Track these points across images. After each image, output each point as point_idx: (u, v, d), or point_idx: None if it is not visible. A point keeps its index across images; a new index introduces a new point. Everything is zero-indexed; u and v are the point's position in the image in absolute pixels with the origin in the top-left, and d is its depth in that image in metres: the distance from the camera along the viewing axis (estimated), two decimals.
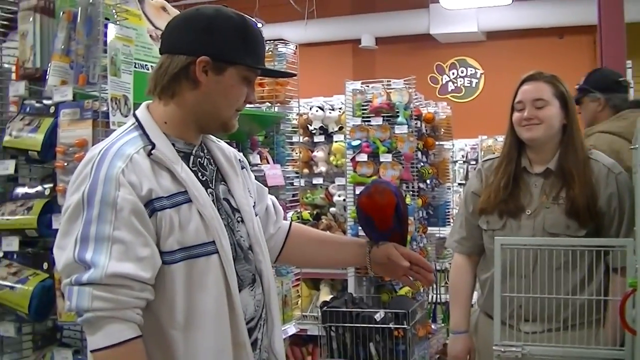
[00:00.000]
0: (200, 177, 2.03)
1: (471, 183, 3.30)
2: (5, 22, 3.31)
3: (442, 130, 6.63)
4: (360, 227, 4.89)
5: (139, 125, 2.00)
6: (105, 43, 2.94)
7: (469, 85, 13.12)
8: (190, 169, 2.00)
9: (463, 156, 10.61)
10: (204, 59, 1.96)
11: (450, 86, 13.20)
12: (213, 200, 2.03)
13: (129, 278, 1.79)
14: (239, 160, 2.27)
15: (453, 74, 13.22)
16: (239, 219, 2.12)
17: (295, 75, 2.39)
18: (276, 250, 2.41)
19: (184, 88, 1.99)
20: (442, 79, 13.28)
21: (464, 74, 13.17)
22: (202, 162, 2.08)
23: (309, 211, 6.34)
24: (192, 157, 2.05)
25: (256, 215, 2.21)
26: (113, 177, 1.84)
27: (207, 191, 2.01)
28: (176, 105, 2.01)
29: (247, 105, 2.15)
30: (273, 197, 2.49)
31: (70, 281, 1.79)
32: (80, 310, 1.77)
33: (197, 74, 1.97)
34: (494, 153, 3.61)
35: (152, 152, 1.93)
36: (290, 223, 2.47)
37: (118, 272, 1.77)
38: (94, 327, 1.77)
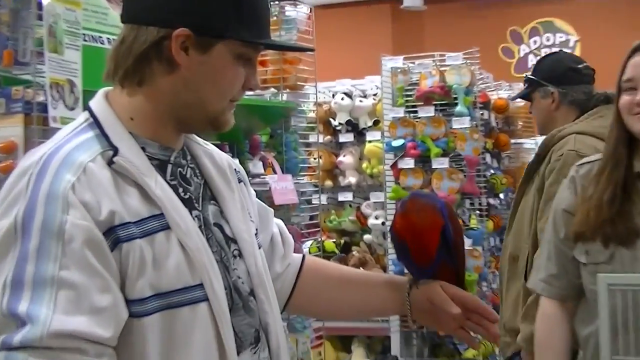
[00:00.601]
0: (182, 195, 1.99)
1: (562, 198, 3.27)
2: None
3: (520, 123, 6.63)
4: None
5: (95, 123, 1.97)
6: (40, 7, 2.94)
7: None
8: (168, 184, 1.97)
9: None
10: (183, 31, 1.91)
11: (532, 60, 13.17)
12: (200, 227, 1.99)
13: (80, 338, 1.74)
14: (235, 170, 2.25)
15: (535, 42, 13.23)
16: (236, 252, 2.09)
17: (311, 50, 2.36)
18: (284, 296, 2.37)
19: (155, 72, 1.96)
20: (519, 51, 13.30)
21: (550, 43, 13.17)
22: (183, 173, 2.05)
23: (334, 240, 6.35)
24: (170, 167, 2.01)
25: (260, 247, 2.20)
26: (59, 194, 1.80)
27: (191, 214, 1.98)
28: (145, 96, 1.98)
29: (247, 93, 2.14)
30: (280, 222, 2.46)
31: None
32: None
33: (173, 53, 1.93)
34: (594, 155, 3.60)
35: (114, 159, 1.89)
36: (303, 257, 2.44)
37: (65, 330, 1.73)
38: None
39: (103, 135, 1.93)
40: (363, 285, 2.41)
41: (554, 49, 12.93)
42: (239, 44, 1.95)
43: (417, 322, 2.33)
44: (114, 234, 1.82)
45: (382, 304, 2.38)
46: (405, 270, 2.35)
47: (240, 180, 2.24)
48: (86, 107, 2.02)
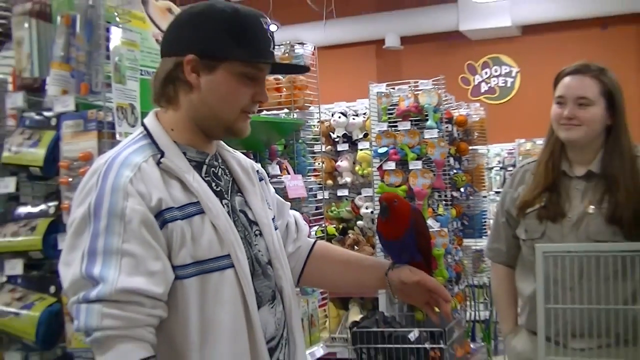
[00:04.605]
0: (215, 188, 2.02)
1: (507, 188, 3.27)
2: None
3: (476, 134, 6.63)
4: None
5: (147, 134, 2.00)
6: (107, 48, 2.95)
7: (503, 85, 13.07)
8: (203, 179, 2.00)
9: (499, 162, 10.58)
10: (191, 57, 1.94)
11: (484, 87, 13.16)
12: (228, 212, 2.01)
13: (140, 294, 1.78)
14: (257, 171, 2.26)
15: (486, 73, 13.18)
16: (257, 232, 2.10)
17: (308, 70, 2.36)
18: (297, 272, 2.37)
19: (178, 92, 1.99)
20: (474, 80, 13.25)
21: (498, 73, 13.12)
22: (216, 172, 2.07)
23: (335, 225, 6.35)
24: (205, 167, 2.04)
25: (276, 229, 2.21)
26: (120, 187, 1.84)
27: (222, 202, 2.00)
28: (175, 111, 2.01)
29: (265, 113, 2.14)
30: (297, 214, 2.47)
31: (77, 299, 1.78)
32: (89, 330, 1.76)
33: (186, 75, 1.96)
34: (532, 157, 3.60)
35: (161, 160, 1.92)
36: (315, 242, 2.43)
37: (128, 287, 1.77)
38: (104, 348, 1.76)
39: (153, 143, 1.97)
40: (357, 267, 2.38)
41: (501, 79, 12.99)
42: (240, 64, 1.97)
43: (396, 295, 2.32)
44: (162, 217, 1.86)
45: (370, 282, 2.37)
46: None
47: (261, 179, 2.27)
48: (142, 124, 2.07)
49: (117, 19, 3.06)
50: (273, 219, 2.21)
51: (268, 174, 3.53)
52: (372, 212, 5.99)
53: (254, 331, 1.96)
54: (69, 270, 1.83)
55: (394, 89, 5.84)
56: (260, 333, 1.97)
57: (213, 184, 2.03)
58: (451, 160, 5.77)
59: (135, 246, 1.81)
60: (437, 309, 2.29)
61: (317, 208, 4.85)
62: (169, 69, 1.97)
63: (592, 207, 2.95)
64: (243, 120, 2.03)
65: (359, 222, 6.27)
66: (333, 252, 2.46)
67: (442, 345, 4.73)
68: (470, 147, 6.35)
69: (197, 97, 1.97)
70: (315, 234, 4.78)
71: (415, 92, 5.67)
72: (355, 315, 5.95)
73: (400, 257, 2.28)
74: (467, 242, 6.26)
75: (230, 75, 1.97)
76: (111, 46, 2.96)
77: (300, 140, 4.78)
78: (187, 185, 1.94)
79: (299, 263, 2.38)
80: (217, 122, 2.01)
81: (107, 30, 2.98)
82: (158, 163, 1.93)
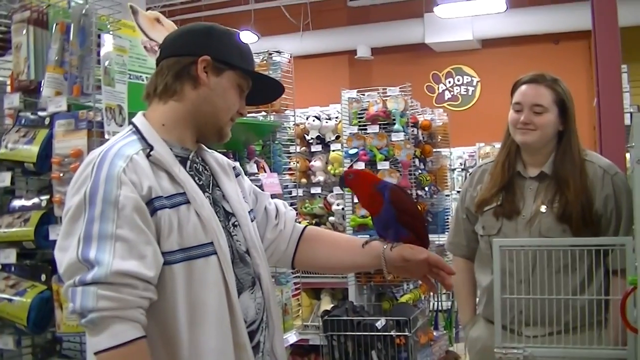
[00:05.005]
0: (197, 181, 2.04)
1: (467, 187, 3.28)
2: (0, 37, 3.29)
3: (439, 137, 6.64)
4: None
5: (137, 130, 2.03)
6: (98, 53, 2.95)
7: (465, 93, 13.12)
8: (187, 173, 2.02)
9: (461, 164, 10.64)
10: (205, 58, 2.03)
11: (447, 95, 13.20)
12: (210, 204, 2.04)
13: (133, 276, 1.78)
14: (234, 167, 2.29)
15: (449, 82, 13.22)
16: (235, 223, 2.12)
17: (284, 90, 2.38)
18: (289, 255, 2.38)
19: (185, 86, 2.04)
20: (438, 88, 13.28)
21: (460, 82, 13.17)
22: (197, 167, 2.10)
23: (308, 220, 6.33)
24: (188, 162, 2.06)
25: (252, 221, 2.21)
26: (114, 176, 1.85)
27: (204, 194, 2.03)
28: (176, 102, 2.05)
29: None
30: (279, 201, 2.46)
31: (73, 282, 1.78)
32: (84, 311, 1.75)
33: (198, 73, 2.03)
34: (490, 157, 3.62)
35: (151, 153, 1.95)
36: (305, 227, 2.43)
37: (122, 270, 1.77)
38: (99, 328, 1.75)
39: (142, 138, 2.00)
40: (349, 248, 2.37)
41: (463, 88, 13.04)
42: (241, 75, 2.09)
43: (391, 273, 2.33)
44: (152, 204, 1.88)
45: (362, 261, 2.35)
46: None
47: (237, 174, 2.30)
48: (130, 122, 2.10)
49: (109, 26, 3.07)
50: (250, 211, 2.23)
51: (246, 172, 3.54)
52: (342, 209, 5.99)
53: (234, 315, 1.97)
54: (65, 255, 1.82)
55: (364, 95, 5.84)
56: (240, 316, 1.98)
57: (196, 178, 2.05)
58: (416, 161, 5.78)
59: (128, 231, 1.81)
60: (432, 279, 2.30)
61: (291, 204, 4.83)
62: (184, 64, 2.04)
63: (544, 206, 2.97)
64: (229, 126, 2.13)
65: (331, 218, 6.25)
66: (324, 235, 2.46)
67: (407, 333, 4.74)
68: (434, 150, 6.36)
69: (204, 93, 2.05)
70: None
71: (384, 98, 5.68)
72: (326, 304, 5.94)
73: (386, 232, 2.28)
74: (430, 237, 6.23)
75: (233, 82, 2.08)
76: (102, 52, 2.97)
77: (276, 141, 4.78)
78: (174, 176, 1.96)
79: (290, 246, 2.38)
80: (214, 121, 2.08)
81: (99, 37, 2.98)
82: (148, 156, 1.95)
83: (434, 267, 2.24)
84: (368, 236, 2.53)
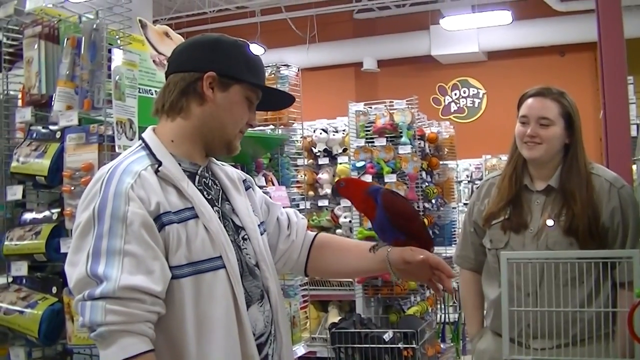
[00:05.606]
0: (206, 196, 2.05)
1: (474, 200, 3.28)
2: (11, 50, 3.34)
3: (446, 150, 6.65)
4: None
5: (146, 146, 2.04)
6: (109, 68, 2.98)
7: (471, 105, 13.14)
8: (196, 187, 2.03)
9: (467, 176, 10.63)
10: (211, 74, 2.02)
11: (453, 107, 13.23)
12: (219, 218, 2.04)
13: (141, 291, 1.80)
14: (244, 180, 2.29)
15: (455, 94, 13.25)
16: (245, 236, 2.13)
17: (294, 100, 2.38)
18: (302, 263, 2.39)
19: (191, 103, 2.04)
20: (444, 100, 13.31)
21: (466, 94, 13.20)
22: (207, 182, 2.10)
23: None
24: (197, 177, 2.07)
25: (262, 234, 2.22)
26: (122, 192, 1.86)
27: (213, 209, 2.03)
28: (183, 120, 2.05)
29: (250, 129, 2.19)
30: (291, 211, 2.47)
31: (82, 297, 1.80)
32: (93, 325, 1.77)
33: (204, 89, 2.02)
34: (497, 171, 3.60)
35: (159, 169, 1.96)
36: (316, 235, 2.44)
37: (130, 285, 1.78)
38: (107, 342, 1.77)
39: (151, 154, 2.00)
40: (358, 253, 2.37)
41: (469, 100, 13.06)
42: (248, 87, 2.07)
43: (398, 276, 2.30)
44: (160, 220, 1.89)
45: (369, 266, 2.35)
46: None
47: (248, 187, 2.29)
48: (140, 137, 2.10)
49: (119, 41, 3.09)
50: (260, 224, 2.23)
51: None
52: (350, 222, 6.00)
53: (243, 327, 1.98)
54: (74, 269, 1.84)
55: (371, 108, 5.86)
56: (249, 329, 1.99)
57: (204, 193, 2.06)
58: (423, 174, 5.79)
59: (136, 247, 1.83)
60: (439, 285, 2.27)
61: None
62: (190, 81, 2.03)
63: (550, 220, 2.97)
64: (238, 139, 2.12)
65: (338, 230, 6.27)
66: (334, 242, 2.46)
67: (414, 345, 4.75)
68: (441, 162, 6.37)
69: (210, 110, 2.04)
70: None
71: (391, 111, 5.69)
72: (334, 317, 5.95)
73: (385, 236, 2.28)
74: (437, 250, 6.27)
75: (239, 97, 2.07)
76: (112, 66, 2.99)
77: (284, 154, 4.81)
78: (183, 191, 1.97)
79: (302, 255, 2.39)
80: (222, 135, 2.08)
81: (109, 51, 3.01)
82: (156, 171, 1.96)
83: (435, 269, 2.23)
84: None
